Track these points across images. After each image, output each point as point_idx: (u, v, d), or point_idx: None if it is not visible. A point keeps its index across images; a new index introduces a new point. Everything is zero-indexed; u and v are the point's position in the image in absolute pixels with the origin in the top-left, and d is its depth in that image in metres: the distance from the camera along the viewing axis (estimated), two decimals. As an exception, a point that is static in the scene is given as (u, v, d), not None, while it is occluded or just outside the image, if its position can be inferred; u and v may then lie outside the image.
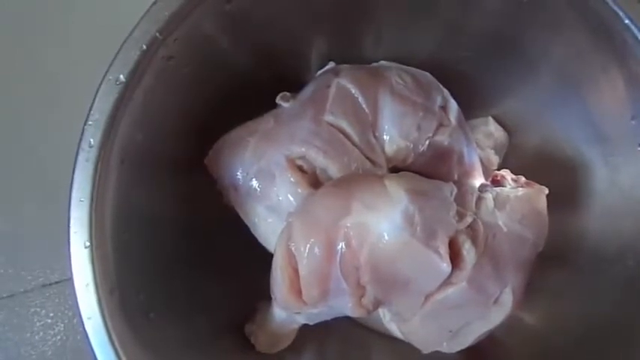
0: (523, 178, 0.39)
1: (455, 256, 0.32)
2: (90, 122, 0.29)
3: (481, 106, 0.46)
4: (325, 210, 0.32)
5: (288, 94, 0.39)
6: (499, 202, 0.35)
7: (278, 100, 0.39)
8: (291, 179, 0.35)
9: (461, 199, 0.34)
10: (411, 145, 0.36)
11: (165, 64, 0.32)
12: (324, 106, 0.36)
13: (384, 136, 0.36)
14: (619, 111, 0.35)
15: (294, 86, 0.40)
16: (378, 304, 0.33)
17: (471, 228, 0.33)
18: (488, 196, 0.35)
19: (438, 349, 0.36)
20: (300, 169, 0.35)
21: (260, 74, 0.40)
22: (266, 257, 0.35)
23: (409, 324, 0.35)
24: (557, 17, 0.34)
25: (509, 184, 0.38)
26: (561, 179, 0.40)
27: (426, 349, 0.37)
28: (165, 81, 0.33)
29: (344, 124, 0.35)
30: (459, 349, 0.36)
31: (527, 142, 0.45)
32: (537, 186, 0.37)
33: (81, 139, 0.29)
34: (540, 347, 0.40)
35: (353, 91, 0.36)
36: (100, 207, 0.30)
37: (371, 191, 0.32)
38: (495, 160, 0.44)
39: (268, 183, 0.36)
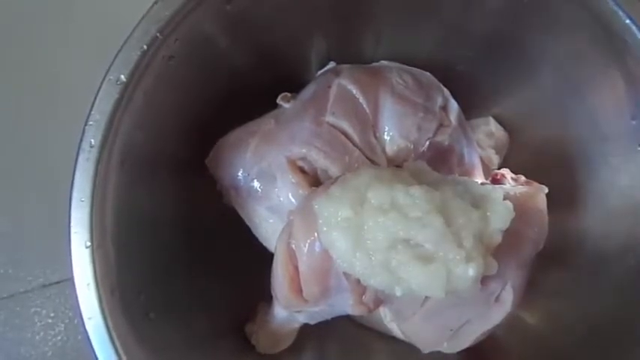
0: (523, 177, 0.39)
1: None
2: (90, 122, 0.30)
3: (481, 106, 0.46)
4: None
5: (288, 94, 0.38)
6: (499, 201, 0.35)
7: (279, 100, 0.39)
8: (292, 180, 0.35)
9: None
10: (412, 146, 0.36)
11: (165, 64, 0.32)
12: (325, 107, 0.36)
13: (385, 137, 0.36)
14: (619, 111, 0.35)
15: (295, 86, 0.40)
16: (378, 302, 0.33)
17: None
18: (488, 196, 0.35)
19: (439, 348, 0.36)
20: (301, 170, 0.35)
21: (260, 74, 0.40)
22: (266, 257, 0.35)
23: (410, 323, 0.35)
24: (557, 17, 0.34)
25: (509, 183, 0.38)
26: (561, 179, 0.40)
27: (426, 349, 0.37)
28: (166, 81, 0.33)
29: (345, 125, 0.35)
30: (459, 349, 0.36)
31: (527, 142, 0.45)
32: (537, 185, 0.37)
33: (81, 140, 0.29)
34: (540, 347, 0.40)
35: (354, 92, 0.36)
36: (100, 207, 0.30)
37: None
38: (496, 159, 0.44)
39: (269, 184, 0.36)
